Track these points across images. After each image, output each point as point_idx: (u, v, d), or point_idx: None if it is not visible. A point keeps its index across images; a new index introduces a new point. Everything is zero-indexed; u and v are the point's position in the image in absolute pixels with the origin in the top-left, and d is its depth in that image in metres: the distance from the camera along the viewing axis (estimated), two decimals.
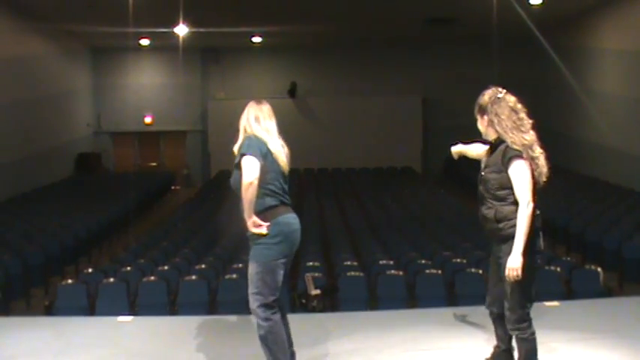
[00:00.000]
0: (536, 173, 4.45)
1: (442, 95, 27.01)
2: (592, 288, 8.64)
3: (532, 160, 4.44)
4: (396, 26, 22.71)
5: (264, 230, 4.68)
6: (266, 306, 4.72)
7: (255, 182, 4.61)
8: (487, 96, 4.63)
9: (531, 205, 4.36)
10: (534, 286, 4.53)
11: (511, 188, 4.45)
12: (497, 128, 4.54)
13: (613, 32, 19.97)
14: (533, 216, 4.39)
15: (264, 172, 4.68)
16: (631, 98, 18.53)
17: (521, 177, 4.41)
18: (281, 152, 4.84)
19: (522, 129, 4.48)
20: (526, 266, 4.38)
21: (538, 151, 4.48)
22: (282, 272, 4.77)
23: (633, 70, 18.54)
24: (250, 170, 4.62)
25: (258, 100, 4.99)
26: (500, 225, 4.50)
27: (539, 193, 4.48)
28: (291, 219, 4.83)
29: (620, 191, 17.89)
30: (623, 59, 19.26)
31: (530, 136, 4.49)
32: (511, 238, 4.40)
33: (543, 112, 23.01)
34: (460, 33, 23.74)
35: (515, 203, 4.43)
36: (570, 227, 13.98)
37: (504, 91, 4.64)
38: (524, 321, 4.48)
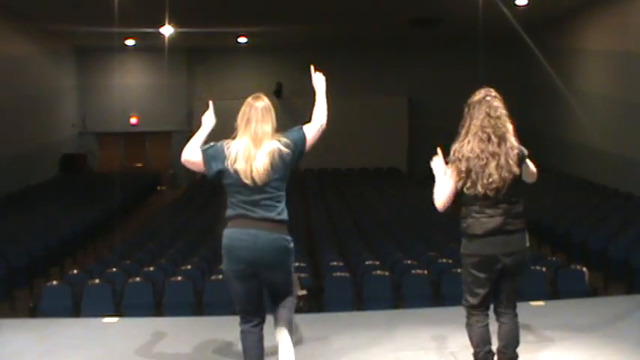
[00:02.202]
0: (467, 184, 4.57)
1: (428, 96, 27.06)
2: (577, 288, 8.67)
3: (462, 169, 4.56)
4: (382, 27, 22.73)
5: None
6: (239, 315, 4.68)
7: (182, 158, 4.69)
8: (476, 96, 4.67)
9: (438, 205, 4.74)
10: (473, 287, 4.66)
11: (460, 192, 4.66)
12: (463, 129, 4.64)
13: (598, 33, 20.07)
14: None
15: (225, 183, 4.54)
16: (616, 99, 18.63)
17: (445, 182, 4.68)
18: (246, 158, 4.44)
19: (482, 138, 4.54)
20: (464, 268, 4.72)
21: (464, 165, 4.55)
22: (235, 284, 4.55)
23: (618, 71, 18.64)
24: (186, 149, 4.70)
25: (256, 97, 4.65)
26: (461, 222, 4.72)
27: (491, 204, 4.56)
28: (236, 234, 4.49)
29: (605, 191, 17.99)
30: (608, 60, 19.36)
31: (479, 151, 4.53)
32: (463, 235, 4.69)
33: (529, 113, 23.13)
34: (446, 34, 23.78)
35: (464, 204, 4.67)
36: (556, 227, 14.03)
37: (493, 94, 4.66)
38: (465, 310, 4.73)
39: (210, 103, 5.03)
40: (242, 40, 25.22)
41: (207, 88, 27.73)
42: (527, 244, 4.68)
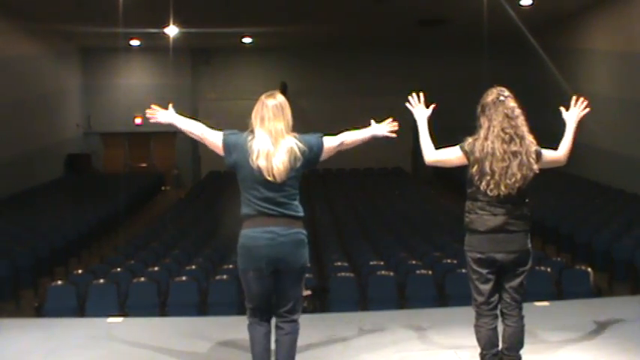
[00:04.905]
0: (484, 183, 4.58)
1: (432, 96, 26.87)
2: (582, 288, 8.67)
3: (475, 161, 4.61)
4: (388, 27, 22.71)
5: None
6: (247, 310, 4.69)
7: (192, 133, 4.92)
8: (490, 97, 4.70)
9: (428, 159, 4.94)
10: (478, 283, 4.72)
11: (465, 182, 4.72)
12: (482, 130, 4.67)
13: (603, 33, 20.04)
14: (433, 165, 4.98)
15: (240, 178, 4.55)
16: (620, 99, 18.59)
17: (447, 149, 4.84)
18: (266, 155, 4.44)
19: (505, 140, 4.59)
20: (467, 265, 4.78)
21: (488, 166, 4.56)
22: (254, 284, 4.54)
23: (622, 71, 18.61)
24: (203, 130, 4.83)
25: (269, 94, 4.67)
26: (464, 216, 4.77)
27: (495, 203, 4.59)
28: (252, 232, 4.49)
29: (609, 192, 17.96)
30: (612, 60, 19.33)
31: (502, 152, 4.56)
32: (465, 230, 4.73)
33: (533, 113, 23.00)
34: (451, 34, 23.77)
35: (469, 198, 4.71)
36: (560, 227, 14.02)
37: (507, 94, 4.69)
38: (475, 311, 4.76)
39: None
40: (246, 40, 25.22)
41: (211, 88, 27.74)
42: (529, 246, 4.71)
